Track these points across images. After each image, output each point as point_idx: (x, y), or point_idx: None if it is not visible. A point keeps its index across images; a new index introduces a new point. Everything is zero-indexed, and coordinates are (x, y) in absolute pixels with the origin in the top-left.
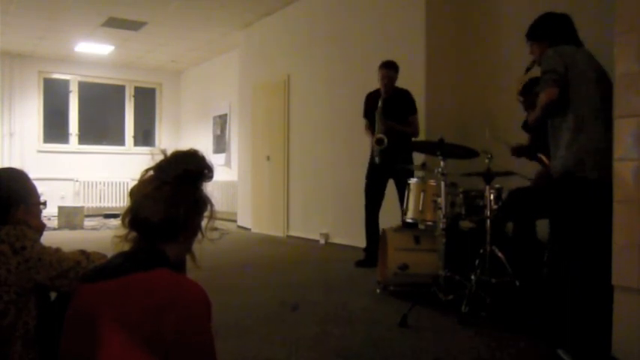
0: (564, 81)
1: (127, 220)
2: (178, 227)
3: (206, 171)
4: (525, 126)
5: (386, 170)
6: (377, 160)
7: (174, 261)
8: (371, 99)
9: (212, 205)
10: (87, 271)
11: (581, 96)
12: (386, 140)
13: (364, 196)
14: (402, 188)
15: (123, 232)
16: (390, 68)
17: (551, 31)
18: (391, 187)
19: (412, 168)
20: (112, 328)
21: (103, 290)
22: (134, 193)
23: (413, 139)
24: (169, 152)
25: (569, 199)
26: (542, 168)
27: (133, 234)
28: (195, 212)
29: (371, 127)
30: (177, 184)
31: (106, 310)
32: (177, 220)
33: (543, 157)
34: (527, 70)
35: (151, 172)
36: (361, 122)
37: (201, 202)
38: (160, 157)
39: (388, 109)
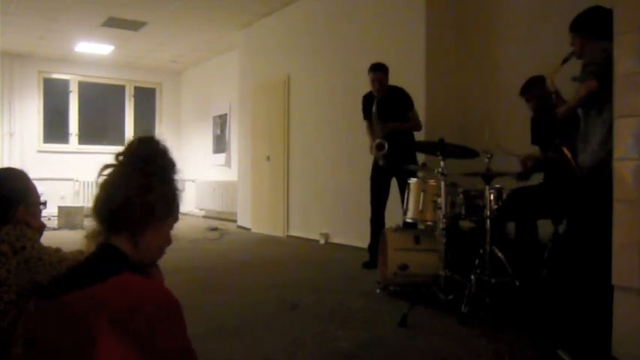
0: (606, 76)
1: (93, 213)
2: (139, 214)
3: (159, 156)
4: (535, 140)
5: (389, 170)
6: (380, 162)
7: (141, 260)
8: (367, 100)
9: (177, 195)
10: (46, 285)
11: None
12: (386, 145)
13: (370, 195)
14: (403, 188)
15: (92, 230)
16: (378, 70)
17: (597, 26)
18: (394, 186)
19: (416, 168)
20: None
21: (61, 307)
22: (99, 184)
23: (415, 132)
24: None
25: (593, 195)
26: (529, 155)
27: (100, 231)
28: (152, 198)
29: (372, 129)
30: (131, 169)
31: (59, 331)
32: (134, 204)
33: (567, 152)
34: (565, 61)
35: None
36: (361, 122)
37: (161, 189)
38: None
39: (385, 110)
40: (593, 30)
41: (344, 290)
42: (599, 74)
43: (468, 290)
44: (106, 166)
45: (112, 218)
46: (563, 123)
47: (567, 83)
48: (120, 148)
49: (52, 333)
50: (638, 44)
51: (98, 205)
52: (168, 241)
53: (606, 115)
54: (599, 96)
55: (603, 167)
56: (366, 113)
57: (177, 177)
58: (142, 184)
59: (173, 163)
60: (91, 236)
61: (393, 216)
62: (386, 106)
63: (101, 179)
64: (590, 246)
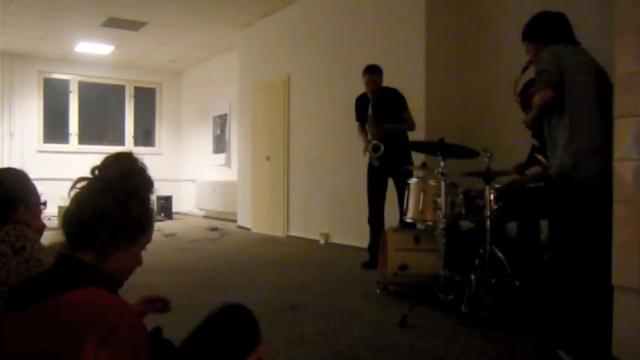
0: (559, 82)
1: (60, 226)
2: (107, 231)
3: (135, 174)
4: (535, 135)
5: (385, 170)
6: (376, 164)
7: (111, 276)
8: (361, 102)
9: (151, 215)
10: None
11: (577, 96)
12: (382, 147)
13: (367, 196)
14: (401, 188)
15: (58, 242)
16: (374, 72)
17: (546, 31)
18: (391, 186)
19: (411, 168)
20: None
21: (18, 322)
22: (71, 197)
23: (410, 132)
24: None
25: (566, 200)
26: (538, 169)
27: (65, 245)
28: (123, 216)
29: (364, 130)
30: (104, 184)
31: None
32: (104, 221)
33: (540, 157)
34: (524, 70)
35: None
36: None
37: (134, 208)
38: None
39: (380, 111)
40: (543, 35)
41: (344, 290)
42: (554, 82)
43: (468, 290)
44: (80, 179)
45: (79, 234)
46: (531, 129)
47: None
48: (121, 148)
49: (18, 347)
50: (638, 44)
51: (67, 218)
52: (137, 262)
53: (566, 119)
54: (558, 102)
55: (571, 172)
56: (359, 115)
57: (152, 197)
58: (114, 201)
59: (150, 183)
60: (54, 248)
61: (390, 216)
62: (381, 108)
63: (74, 192)
64: (570, 248)
